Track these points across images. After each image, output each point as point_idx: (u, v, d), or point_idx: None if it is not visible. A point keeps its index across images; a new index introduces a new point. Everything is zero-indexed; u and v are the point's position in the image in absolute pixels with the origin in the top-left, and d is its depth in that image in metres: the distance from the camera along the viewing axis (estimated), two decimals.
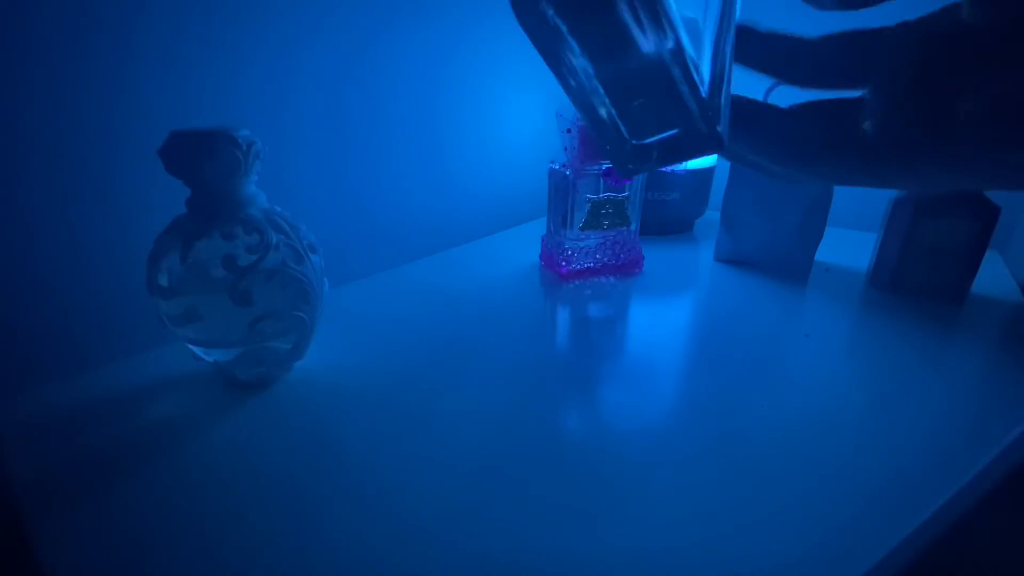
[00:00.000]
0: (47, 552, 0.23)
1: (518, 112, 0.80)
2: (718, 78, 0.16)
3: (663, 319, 0.48)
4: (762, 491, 0.27)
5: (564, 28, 0.14)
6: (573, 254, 0.55)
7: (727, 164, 0.58)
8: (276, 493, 0.27)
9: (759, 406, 0.34)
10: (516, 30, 0.15)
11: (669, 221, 0.72)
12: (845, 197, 0.57)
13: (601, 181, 0.53)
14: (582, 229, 0.54)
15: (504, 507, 0.26)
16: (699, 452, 0.30)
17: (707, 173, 0.70)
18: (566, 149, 0.52)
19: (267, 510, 0.26)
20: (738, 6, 0.17)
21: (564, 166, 0.53)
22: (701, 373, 0.39)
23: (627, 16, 0.14)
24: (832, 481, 0.28)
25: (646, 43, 0.14)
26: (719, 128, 0.16)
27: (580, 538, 0.25)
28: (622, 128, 0.17)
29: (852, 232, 0.69)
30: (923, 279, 0.49)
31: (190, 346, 0.34)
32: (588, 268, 0.56)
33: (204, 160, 0.30)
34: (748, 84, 0.20)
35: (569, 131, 0.50)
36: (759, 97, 0.19)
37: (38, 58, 0.35)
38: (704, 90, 0.15)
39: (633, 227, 0.56)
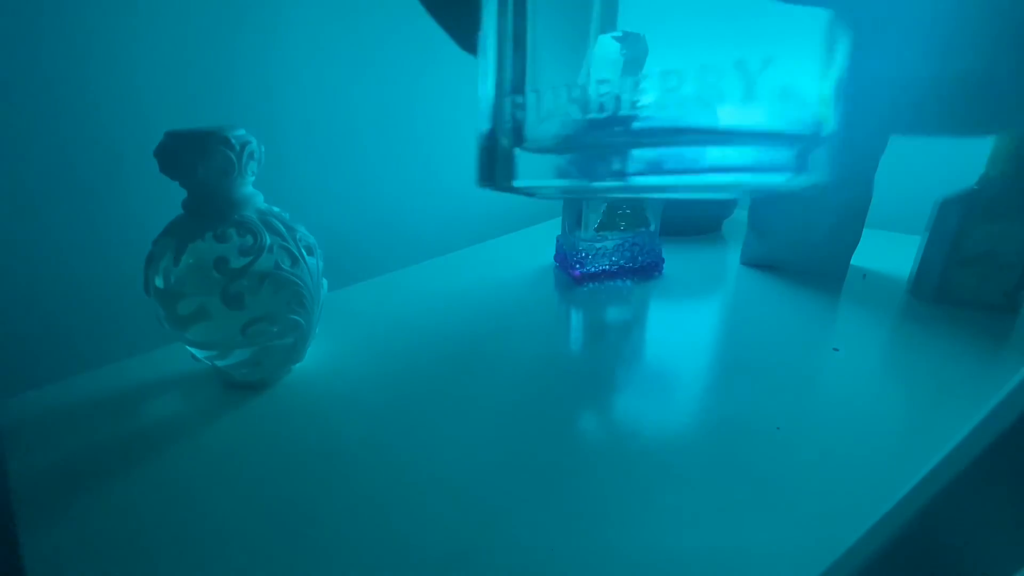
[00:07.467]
0: (44, 553, 0.23)
1: None
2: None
3: (680, 327, 0.45)
4: (784, 514, 0.25)
5: None
6: (587, 256, 0.53)
7: None
8: (274, 496, 0.27)
9: (782, 423, 0.31)
10: None
11: (696, 221, 0.68)
12: (886, 196, 0.53)
13: None
14: (597, 230, 0.52)
15: (511, 519, 0.25)
16: (716, 468, 0.28)
17: None
18: None
19: (265, 513, 0.26)
20: None
21: None
22: (720, 386, 0.36)
23: None
24: (861, 510, 0.25)
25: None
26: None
27: (591, 553, 0.23)
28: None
29: (893, 235, 0.64)
30: (972, 288, 0.45)
31: (188, 347, 0.34)
32: (603, 271, 0.54)
33: (196, 161, 0.30)
34: None
35: None
36: None
37: (35, 61, 0.36)
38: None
39: (652, 228, 0.54)
